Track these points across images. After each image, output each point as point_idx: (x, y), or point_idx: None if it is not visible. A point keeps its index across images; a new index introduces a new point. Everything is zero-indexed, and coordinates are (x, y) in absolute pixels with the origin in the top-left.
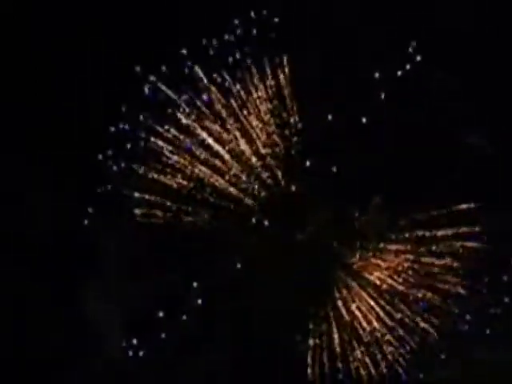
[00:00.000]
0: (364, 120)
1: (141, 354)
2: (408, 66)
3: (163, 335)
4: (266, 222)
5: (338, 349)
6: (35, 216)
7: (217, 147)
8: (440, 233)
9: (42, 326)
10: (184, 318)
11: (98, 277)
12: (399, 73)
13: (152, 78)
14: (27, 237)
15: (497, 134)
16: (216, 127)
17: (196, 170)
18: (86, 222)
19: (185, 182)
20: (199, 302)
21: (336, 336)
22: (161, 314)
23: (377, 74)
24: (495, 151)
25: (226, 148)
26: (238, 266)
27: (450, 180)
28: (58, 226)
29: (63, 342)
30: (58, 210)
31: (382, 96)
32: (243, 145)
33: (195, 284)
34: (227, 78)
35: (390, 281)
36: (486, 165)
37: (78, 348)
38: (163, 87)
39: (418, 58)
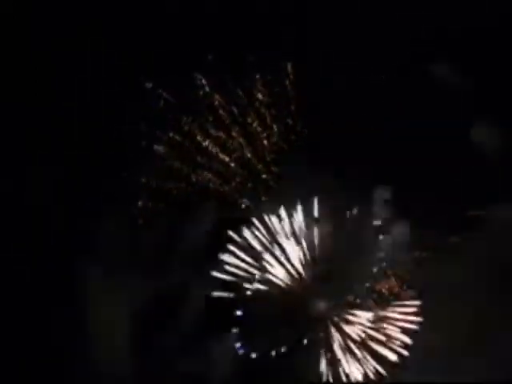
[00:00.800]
0: (370, 124)
1: (142, 354)
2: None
3: (164, 335)
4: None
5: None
6: (35, 216)
7: (221, 154)
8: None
9: (41, 326)
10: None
11: (98, 277)
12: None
13: (155, 84)
14: (27, 236)
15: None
16: (221, 133)
17: (200, 178)
18: (86, 222)
19: (189, 189)
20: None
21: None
22: (162, 315)
23: (381, 76)
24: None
25: (233, 155)
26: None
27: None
28: (57, 225)
29: (63, 342)
30: (58, 209)
31: (387, 99)
32: (248, 151)
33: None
34: (231, 84)
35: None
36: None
37: (78, 348)
38: (166, 94)
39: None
